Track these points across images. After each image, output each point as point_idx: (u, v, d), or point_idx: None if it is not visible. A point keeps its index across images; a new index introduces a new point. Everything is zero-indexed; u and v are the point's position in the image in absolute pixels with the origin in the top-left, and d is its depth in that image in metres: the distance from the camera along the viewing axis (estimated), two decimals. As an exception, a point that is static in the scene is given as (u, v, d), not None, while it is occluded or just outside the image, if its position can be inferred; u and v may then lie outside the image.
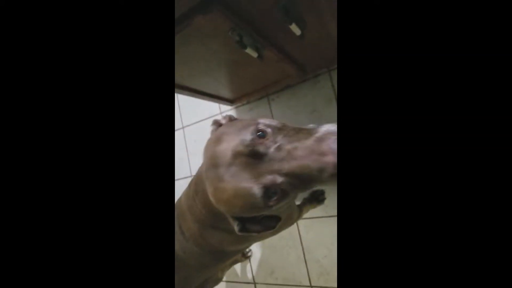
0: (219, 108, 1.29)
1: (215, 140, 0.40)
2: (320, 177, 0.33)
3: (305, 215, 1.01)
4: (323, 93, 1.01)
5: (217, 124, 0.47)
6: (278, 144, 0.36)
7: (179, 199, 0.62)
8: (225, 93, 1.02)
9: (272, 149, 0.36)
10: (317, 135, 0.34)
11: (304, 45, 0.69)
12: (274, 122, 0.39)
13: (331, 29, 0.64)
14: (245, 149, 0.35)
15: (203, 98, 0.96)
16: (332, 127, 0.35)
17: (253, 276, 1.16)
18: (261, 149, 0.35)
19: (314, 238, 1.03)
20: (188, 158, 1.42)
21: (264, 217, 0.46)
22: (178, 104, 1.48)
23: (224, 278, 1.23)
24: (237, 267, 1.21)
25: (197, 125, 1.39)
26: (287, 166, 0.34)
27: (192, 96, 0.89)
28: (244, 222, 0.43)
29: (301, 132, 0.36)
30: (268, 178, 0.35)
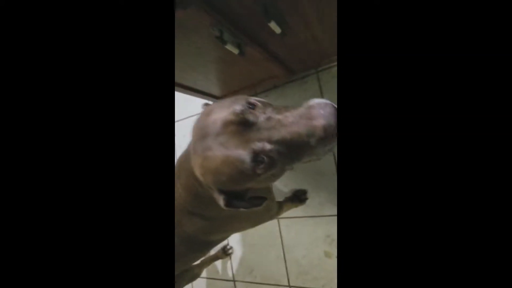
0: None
1: (205, 114, 0.40)
2: (308, 142, 0.34)
3: (286, 215, 1.02)
4: (311, 94, 1.02)
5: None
6: (268, 115, 0.37)
7: None
8: (214, 90, 1.02)
9: (262, 118, 0.37)
10: (307, 104, 0.36)
11: (288, 45, 0.70)
12: (263, 99, 0.41)
13: (316, 32, 0.65)
14: (235, 118, 0.36)
15: (192, 95, 0.96)
16: (322, 99, 0.36)
17: (233, 274, 1.16)
18: (251, 117, 0.36)
19: (294, 238, 1.04)
20: (177, 153, 1.42)
21: (250, 197, 0.46)
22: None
23: (205, 275, 1.23)
24: (218, 264, 1.21)
25: (188, 120, 1.39)
26: (277, 133, 0.35)
27: (182, 92, 0.89)
28: (230, 198, 0.43)
29: (290, 107, 0.38)
30: (257, 145, 0.35)
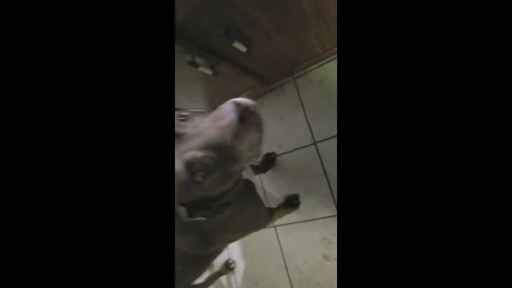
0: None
1: None
2: (225, 142, 0.36)
3: (282, 221, 1.03)
4: (290, 101, 1.05)
5: None
6: (195, 123, 0.39)
7: None
8: (199, 106, 1.05)
9: (189, 128, 0.39)
10: (220, 106, 0.38)
11: (257, 59, 0.74)
12: (193, 109, 0.44)
13: (279, 42, 0.69)
14: None
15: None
16: (232, 100, 0.37)
17: (237, 288, 1.16)
18: (179, 129, 0.39)
19: (292, 244, 1.05)
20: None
21: (217, 205, 0.49)
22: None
23: (210, 293, 1.22)
24: (222, 279, 1.20)
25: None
26: (199, 140, 0.37)
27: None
28: (192, 209, 0.45)
29: (213, 111, 0.39)
30: (189, 154, 0.37)
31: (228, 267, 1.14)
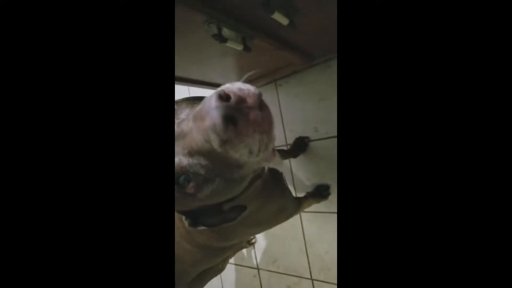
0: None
1: None
2: (214, 149, 0.27)
3: (309, 209, 0.97)
4: (334, 80, 0.90)
5: None
6: (180, 119, 0.30)
7: None
8: (226, 81, 0.96)
9: (175, 125, 0.29)
10: (205, 98, 0.27)
11: (302, 32, 0.60)
12: (189, 98, 0.34)
13: (334, 14, 0.54)
14: None
15: (204, 87, 0.91)
16: (223, 86, 0.27)
17: (256, 263, 1.19)
18: None
19: (316, 232, 1.01)
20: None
21: (230, 207, 0.41)
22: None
23: (231, 261, 1.29)
24: (244, 251, 1.25)
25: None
26: (184, 142, 0.28)
27: (191, 85, 0.85)
28: (196, 216, 0.39)
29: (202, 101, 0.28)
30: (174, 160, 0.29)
31: (249, 242, 1.17)
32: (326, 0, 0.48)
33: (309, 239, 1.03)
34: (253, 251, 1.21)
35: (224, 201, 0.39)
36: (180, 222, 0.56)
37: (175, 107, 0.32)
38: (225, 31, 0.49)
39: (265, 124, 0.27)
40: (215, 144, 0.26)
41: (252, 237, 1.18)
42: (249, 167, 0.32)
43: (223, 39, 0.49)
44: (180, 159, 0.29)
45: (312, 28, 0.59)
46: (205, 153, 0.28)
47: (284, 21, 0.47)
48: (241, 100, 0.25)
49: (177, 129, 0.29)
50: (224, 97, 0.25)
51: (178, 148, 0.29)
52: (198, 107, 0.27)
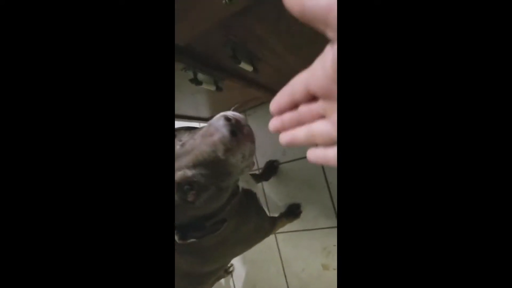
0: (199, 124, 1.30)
1: None
2: (218, 157, 0.36)
3: (282, 229, 1.03)
4: (296, 110, 1.03)
5: None
6: (182, 142, 0.39)
7: None
8: (204, 113, 1.03)
9: (177, 147, 0.38)
10: (210, 122, 0.38)
11: (264, 74, 0.71)
12: (184, 127, 0.43)
13: (288, 59, 0.66)
14: None
15: (180, 120, 0.97)
16: (221, 114, 0.38)
17: (236, 290, 1.18)
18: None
19: (292, 252, 1.06)
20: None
21: (212, 222, 0.48)
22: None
23: (209, 293, 1.25)
24: (222, 281, 1.23)
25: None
26: (190, 157, 0.37)
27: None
28: (185, 231, 0.45)
29: (201, 128, 0.40)
30: (178, 174, 0.37)
31: (226, 271, 1.16)
32: (281, 50, 0.60)
33: (285, 259, 1.07)
34: (231, 280, 1.20)
35: (207, 216, 0.46)
36: None
37: (175, 133, 0.42)
38: (200, 76, 0.58)
39: (252, 136, 0.39)
40: (221, 152, 0.36)
41: (229, 265, 1.18)
42: (236, 175, 0.42)
43: (198, 82, 0.57)
44: (185, 171, 0.37)
45: (272, 71, 0.71)
46: (208, 162, 0.37)
47: (249, 68, 0.57)
48: (237, 121, 0.37)
49: (181, 148, 0.38)
50: (228, 119, 0.36)
51: (183, 163, 0.37)
52: (205, 128, 0.38)
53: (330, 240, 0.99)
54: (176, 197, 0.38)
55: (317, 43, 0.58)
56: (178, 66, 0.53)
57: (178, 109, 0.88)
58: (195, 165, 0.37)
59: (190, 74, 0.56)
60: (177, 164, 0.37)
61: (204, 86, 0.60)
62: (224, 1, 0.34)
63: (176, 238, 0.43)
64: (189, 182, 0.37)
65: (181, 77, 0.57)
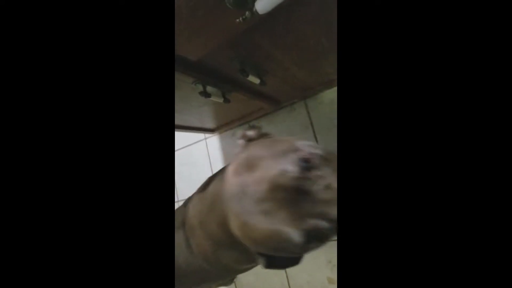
0: (204, 134, 1.31)
1: (246, 164, 0.32)
2: None
3: (287, 241, 1.02)
4: (300, 120, 1.04)
5: (245, 137, 0.40)
6: (327, 181, 0.29)
7: (186, 209, 0.54)
8: (208, 125, 1.05)
9: (320, 187, 0.28)
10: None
11: (271, 85, 0.73)
12: (317, 149, 0.32)
13: (294, 71, 0.68)
14: (287, 183, 0.28)
15: (186, 131, 0.99)
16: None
17: (239, 304, 1.16)
18: (306, 185, 0.28)
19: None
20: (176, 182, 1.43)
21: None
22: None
23: (212, 305, 1.22)
24: (225, 293, 1.21)
25: (185, 150, 1.41)
26: (336, 211, 0.27)
27: (177, 131, 0.92)
28: (271, 258, 0.39)
29: None
30: (310, 223, 0.28)
31: (232, 279, 1.14)
32: (287, 62, 0.62)
33: (290, 272, 1.05)
34: (235, 291, 1.18)
35: None
36: (208, 241, 0.52)
37: (317, 162, 0.32)
38: (209, 88, 0.60)
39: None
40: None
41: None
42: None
43: (207, 95, 0.59)
44: (319, 221, 0.28)
45: (278, 82, 0.73)
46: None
47: (256, 81, 0.58)
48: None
49: (325, 193, 0.29)
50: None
51: (320, 210, 0.29)
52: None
53: (335, 254, 0.97)
54: (299, 247, 0.30)
55: (322, 57, 0.61)
56: (188, 80, 0.55)
57: (186, 121, 0.90)
58: (336, 220, 0.28)
59: (200, 87, 0.58)
60: (311, 208, 0.28)
61: (213, 98, 0.61)
62: (238, 20, 0.35)
63: (263, 266, 0.38)
64: (318, 233, 0.29)
65: (191, 90, 0.59)
